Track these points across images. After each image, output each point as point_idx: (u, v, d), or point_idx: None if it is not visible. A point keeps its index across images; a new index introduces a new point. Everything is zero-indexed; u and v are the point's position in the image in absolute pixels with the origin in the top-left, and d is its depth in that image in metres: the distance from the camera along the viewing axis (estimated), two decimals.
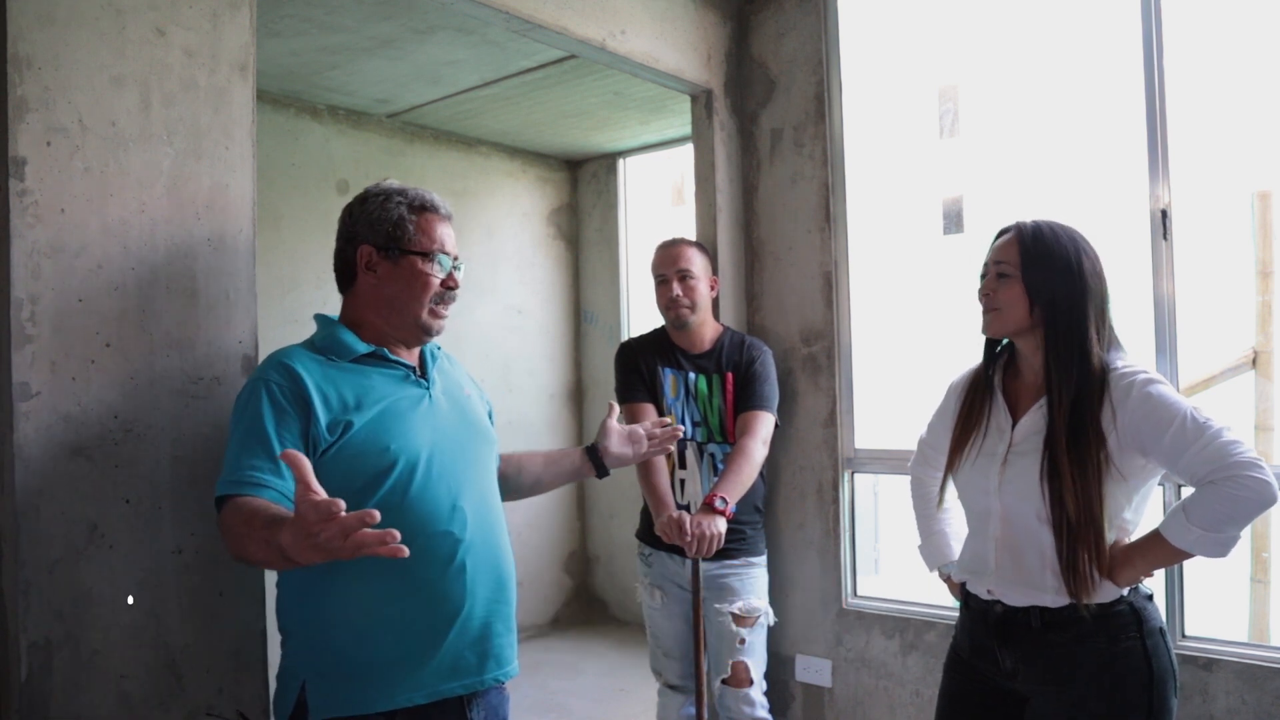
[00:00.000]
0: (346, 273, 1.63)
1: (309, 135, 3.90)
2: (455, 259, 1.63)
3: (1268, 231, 4.20)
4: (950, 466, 1.78)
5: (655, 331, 2.67)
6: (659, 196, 15.41)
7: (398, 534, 1.09)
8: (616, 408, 1.95)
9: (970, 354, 1.86)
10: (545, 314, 4.89)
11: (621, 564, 4.82)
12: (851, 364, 2.89)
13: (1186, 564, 2.09)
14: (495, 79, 3.66)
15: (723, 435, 2.54)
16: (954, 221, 15.68)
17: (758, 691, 2.47)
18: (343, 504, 1.08)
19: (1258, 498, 1.45)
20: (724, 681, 2.47)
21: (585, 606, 5.01)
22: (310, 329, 1.64)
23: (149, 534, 1.56)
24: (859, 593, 2.87)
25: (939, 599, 2.40)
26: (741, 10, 3.09)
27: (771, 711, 2.52)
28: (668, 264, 2.56)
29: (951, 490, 1.82)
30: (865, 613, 2.79)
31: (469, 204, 4.50)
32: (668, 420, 1.96)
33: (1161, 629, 1.61)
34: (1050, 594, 1.60)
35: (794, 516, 2.92)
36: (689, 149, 3.18)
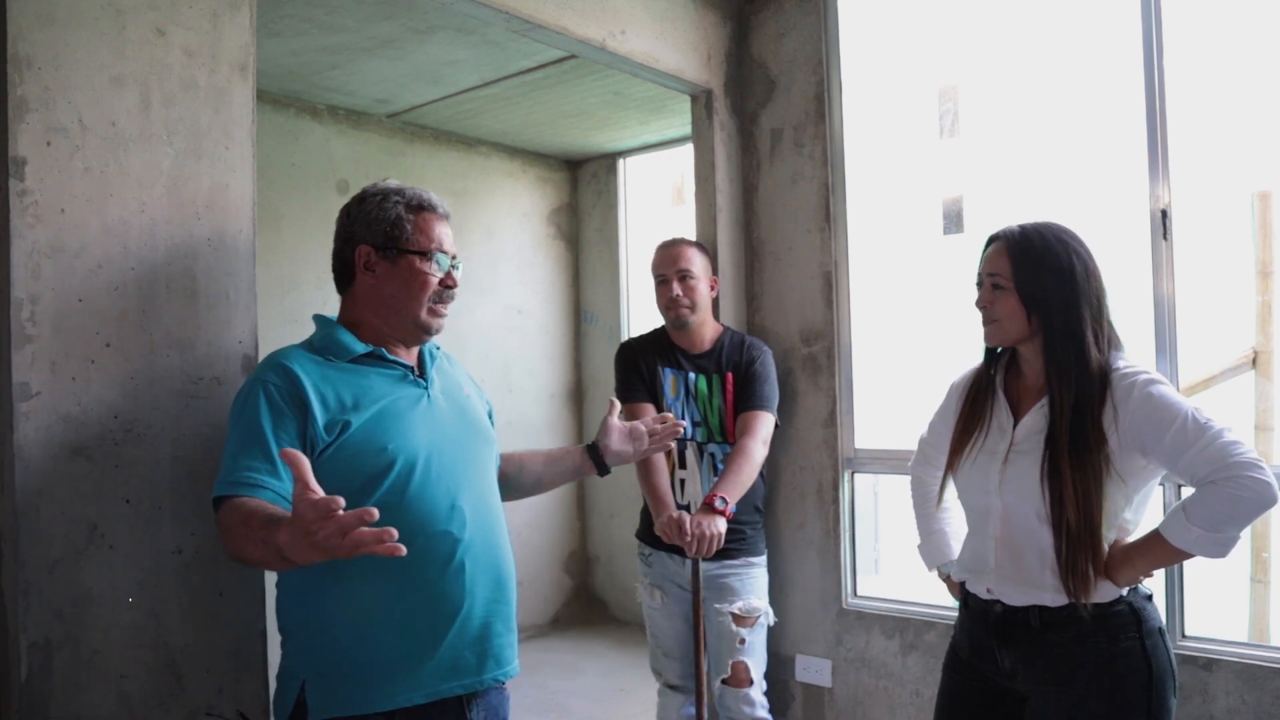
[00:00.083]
0: (345, 273, 1.62)
1: (309, 135, 3.90)
2: (454, 258, 1.63)
3: (1268, 231, 4.20)
4: (951, 465, 1.78)
5: (655, 331, 2.67)
6: (659, 196, 15.41)
7: (395, 532, 1.09)
8: (617, 405, 1.94)
9: (971, 354, 1.87)
10: (545, 314, 4.89)
11: (621, 564, 4.82)
12: (851, 364, 2.89)
13: (1186, 564, 2.08)
14: (495, 79, 3.66)
15: (723, 435, 2.54)
16: (954, 221, 15.69)
17: (758, 691, 2.47)
18: (341, 501, 1.08)
19: (1258, 498, 1.45)
20: (724, 681, 2.47)
21: (585, 606, 5.01)
22: (310, 329, 1.64)
23: (149, 534, 1.56)
24: (859, 593, 2.87)
25: (939, 599, 2.40)
26: (741, 10, 3.09)
27: (771, 711, 2.52)
28: (668, 264, 2.56)
29: (951, 490, 1.82)
30: (865, 613, 2.79)
31: (469, 204, 4.50)
32: (668, 416, 1.95)
33: (1161, 629, 1.61)
34: (1050, 593, 1.60)
35: (794, 516, 2.92)
36: (689, 149, 3.18)
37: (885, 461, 2.83)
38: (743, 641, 2.46)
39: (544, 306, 4.89)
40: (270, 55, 3.28)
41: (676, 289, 2.53)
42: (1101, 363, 1.60)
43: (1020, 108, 15.27)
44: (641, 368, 2.57)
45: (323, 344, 1.55)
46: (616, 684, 3.94)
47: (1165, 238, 2.35)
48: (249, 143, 1.73)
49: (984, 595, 1.70)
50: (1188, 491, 1.59)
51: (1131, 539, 1.62)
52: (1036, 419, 1.65)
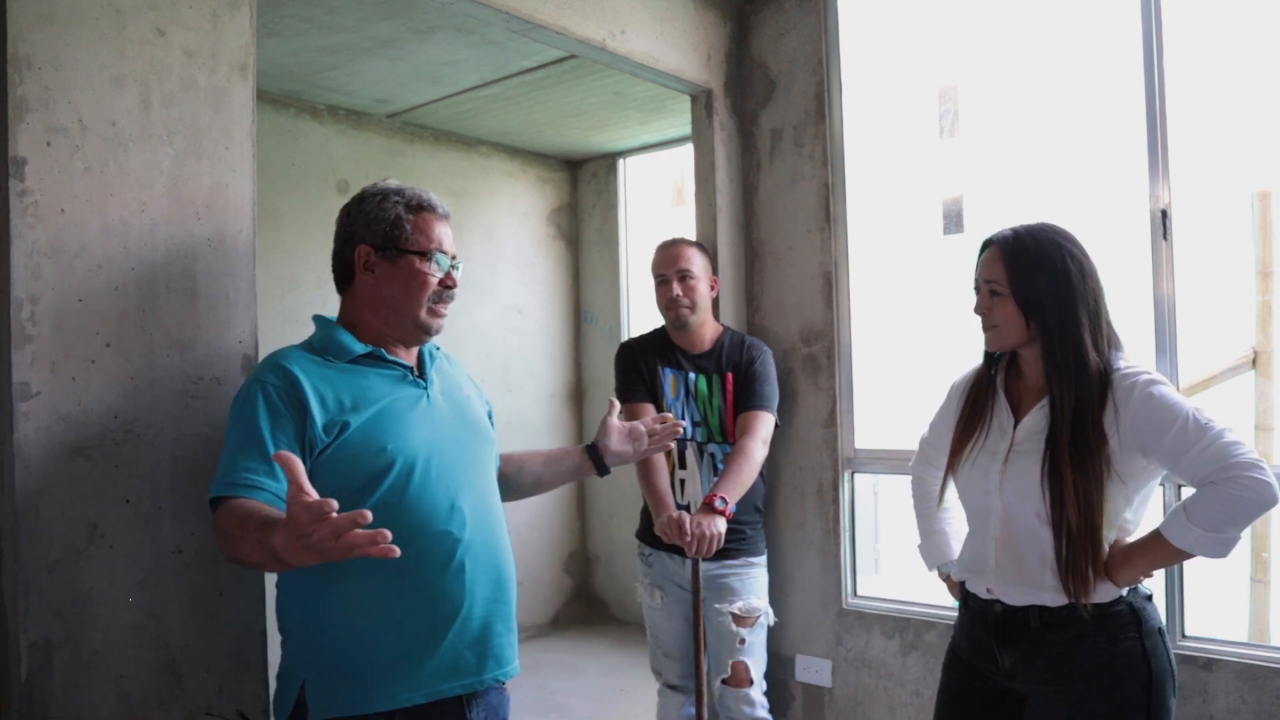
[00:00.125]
0: (344, 273, 1.62)
1: (309, 135, 3.90)
2: (453, 258, 1.63)
3: (1268, 231, 4.20)
4: (951, 466, 1.78)
5: (655, 331, 2.67)
6: (659, 196, 15.42)
7: (389, 534, 1.09)
8: (617, 405, 1.94)
9: (971, 354, 1.87)
10: (545, 314, 4.89)
11: (621, 564, 4.82)
12: (851, 364, 2.89)
13: (1186, 564, 2.08)
14: (495, 79, 3.66)
15: (723, 435, 2.54)
16: (954, 221, 15.69)
17: (758, 691, 2.47)
18: (335, 504, 1.08)
19: (1258, 498, 1.45)
20: (724, 681, 2.47)
21: (585, 606, 5.01)
22: (310, 329, 1.64)
23: (149, 534, 1.56)
24: (859, 593, 2.87)
25: (939, 599, 2.40)
26: (741, 10, 3.09)
27: (771, 711, 2.52)
28: (668, 264, 2.56)
29: (952, 490, 1.82)
30: (865, 613, 2.79)
31: (469, 204, 4.50)
32: (668, 416, 1.95)
33: (1160, 629, 1.61)
34: (1049, 593, 1.60)
35: (794, 516, 2.92)
36: (689, 149, 3.18)
37: (885, 461, 2.83)
38: (743, 641, 2.46)
39: (544, 306, 4.89)
40: (270, 55, 3.28)
41: (676, 289, 2.53)
42: (1101, 364, 1.60)
43: (1020, 108, 15.27)
44: (641, 368, 2.57)
45: (322, 344, 1.55)
46: (616, 684, 3.94)
47: (1165, 238, 2.35)
48: (249, 143, 1.73)
49: (984, 595, 1.70)
50: (1188, 492, 1.59)
51: (1132, 539, 1.62)
52: (1037, 419, 1.65)
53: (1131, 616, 1.58)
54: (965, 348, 1.98)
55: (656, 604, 2.54)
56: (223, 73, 1.69)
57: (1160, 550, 1.55)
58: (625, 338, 4.42)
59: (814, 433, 2.89)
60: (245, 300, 1.71)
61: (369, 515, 1.08)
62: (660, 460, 2.43)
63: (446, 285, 1.61)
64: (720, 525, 2.25)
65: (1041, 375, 1.66)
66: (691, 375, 2.57)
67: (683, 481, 2.46)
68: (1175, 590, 2.29)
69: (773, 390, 2.56)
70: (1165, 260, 2.35)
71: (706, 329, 2.61)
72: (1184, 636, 2.28)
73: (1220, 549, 1.50)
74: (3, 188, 1.43)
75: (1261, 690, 2.13)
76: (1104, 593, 1.57)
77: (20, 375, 1.42)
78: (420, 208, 1.59)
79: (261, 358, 1.57)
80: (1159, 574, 1.79)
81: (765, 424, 2.50)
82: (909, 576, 2.96)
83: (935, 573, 1.95)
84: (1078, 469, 1.56)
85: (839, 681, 2.82)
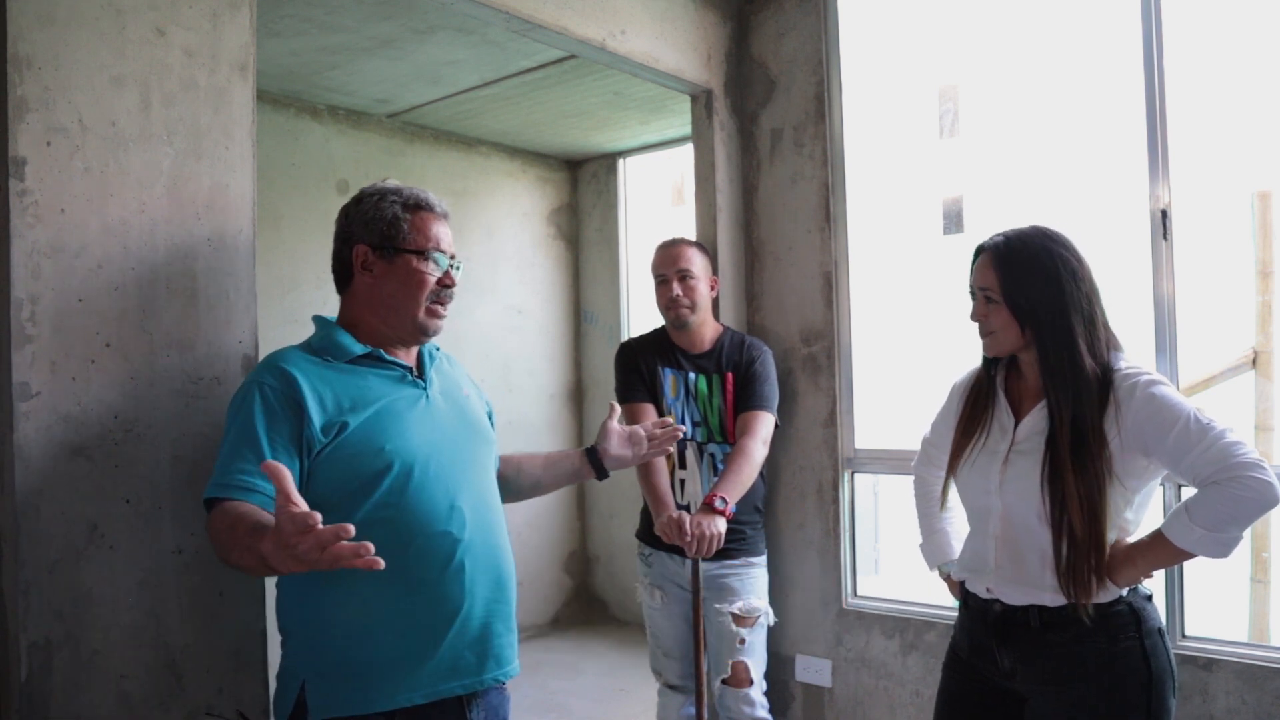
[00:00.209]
0: (343, 273, 1.62)
1: (309, 135, 3.90)
2: (452, 258, 1.63)
3: (1268, 231, 4.20)
4: (952, 466, 1.78)
5: (655, 331, 2.67)
6: (659, 196, 15.42)
7: (371, 546, 1.09)
8: (618, 409, 1.94)
9: (971, 354, 1.87)
10: (545, 314, 4.89)
11: (621, 564, 4.82)
12: (851, 364, 2.89)
13: (1186, 564, 2.08)
14: (495, 79, 3.66)
15: (723, 435, 2.54)
16: (954, 221, 15.70)
17: (758, 691, 2.47)
18: (319, 517, 1.07)
19: (1260, 498, 1.45)
20: (724, 681, 2.47)
21: (585, 606, 5.01)
22: (310, 329, 1.64)
23: (149, 534, 1.56)
24: (859, 593, 2.87)
25: (939, 599, 2.40)
26: (741, 10, 3.09)
27: (771, 711, 2.52)
28: (668, 264, 2.56)
29: (953, 489, 1.82)
30: (865, 613, 2.79)
31: (469, 204, 4.50)
32: (668, 420, 1.96)
33: (1160, 629, 1.61)
34: (1049, 593, 1.60)
35: (794, 516, 2.92)
36: (689, 149, 3.18)
37: (885, 461, 2.83)
38: (743, 641, 2.46)
39: (544, 306, 4.89)
40: (270, 55, 3.28)
41: (676, 289, 2.53)
42: (1098, 367, 1.60)
43: (1020, 108, 15.28)
44: (641, 368, 2.57)
45: (321, 345, 1.55)
46: (616, 684, 3.94)
47: (1165, 238, 2.35)
48: (249, 143, 1.73)
49: (983, 595, 1.70)
50: (1188, 492, 1.59)
51: (1132, 539, 1.62)
52: (1037, 419, 1.65)
53: (1131, 616, 1.58)
54: (965, 348, 1.98)
55: (656, 604, 2.54)
56: (223, 73, 1.69)
57: (1162, 550, 1.55)
58: (625, 338, 4.42)
59: (814, 433, 2.89)
60: (245, 300, 1.71)
61: (351, 529, 1.07)
62: (660, 460, 2.42)
63: (445, 284, 1.61)
64: (720, 525, 2.25)
65: (1040, 378, 1.66)
66: (691, 375, 2.57)
67: (683, 481, 2.46)
68: (1175, 590, 2.29)
69: (773, 390, 2.56)
70: (1165, 260, 2.35)
71: (706, 329, 2.61)
72: (1184, 636, 2.28)
73: (1222, 549, 1.50)
74: (3, 188, 1.43)
75: (1261, 690, 2.13)
76: (1104, 593, 1.57)
77: (20, 375, 1.42)
78: (417, 207, 1.59)
79: (261, 358, 1.57)
80: (1159, 574, 1.79)
81: (765, 424, 2.49)
82: (909, 576, 2.96)
83: (936, 572, 1.95)
84: (1079, 473, 1.56)
85: (839, 681, 2.82)
